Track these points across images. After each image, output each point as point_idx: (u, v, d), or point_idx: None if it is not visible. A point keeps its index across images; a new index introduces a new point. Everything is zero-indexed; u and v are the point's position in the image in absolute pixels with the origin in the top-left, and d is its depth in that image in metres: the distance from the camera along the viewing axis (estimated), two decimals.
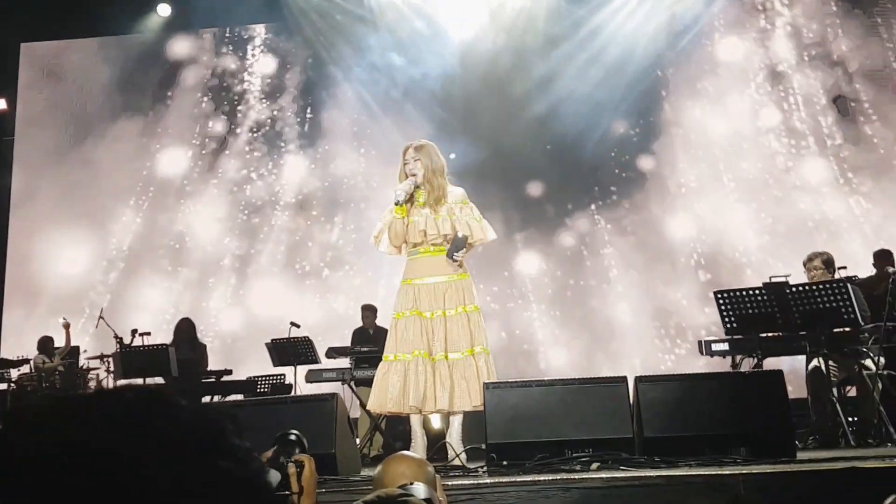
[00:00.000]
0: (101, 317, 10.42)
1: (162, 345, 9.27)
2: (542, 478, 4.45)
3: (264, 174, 12.99)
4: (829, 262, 7.43)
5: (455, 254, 5.89)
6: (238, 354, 11.39)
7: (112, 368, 9.95)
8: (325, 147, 12.90)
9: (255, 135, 13.13)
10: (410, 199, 6.03)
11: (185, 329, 9.96)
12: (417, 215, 5.98)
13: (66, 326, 10.67)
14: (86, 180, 12.97)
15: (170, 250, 12.76)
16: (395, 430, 8.13)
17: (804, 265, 7.55)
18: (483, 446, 5.39)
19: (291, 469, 2.38)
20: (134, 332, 9.98)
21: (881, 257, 8.49)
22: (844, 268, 7.72)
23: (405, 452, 3.51)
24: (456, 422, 5.92)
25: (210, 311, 12.32)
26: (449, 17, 12.59)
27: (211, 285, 12.58)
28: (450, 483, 4.34)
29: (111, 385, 9.89)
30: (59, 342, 10.79)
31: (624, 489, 4.30)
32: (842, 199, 11.52)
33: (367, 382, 8.41)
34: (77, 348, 10.93)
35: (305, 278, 12.45)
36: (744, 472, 4.35)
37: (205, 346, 10.06)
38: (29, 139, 13.35)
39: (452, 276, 5.99)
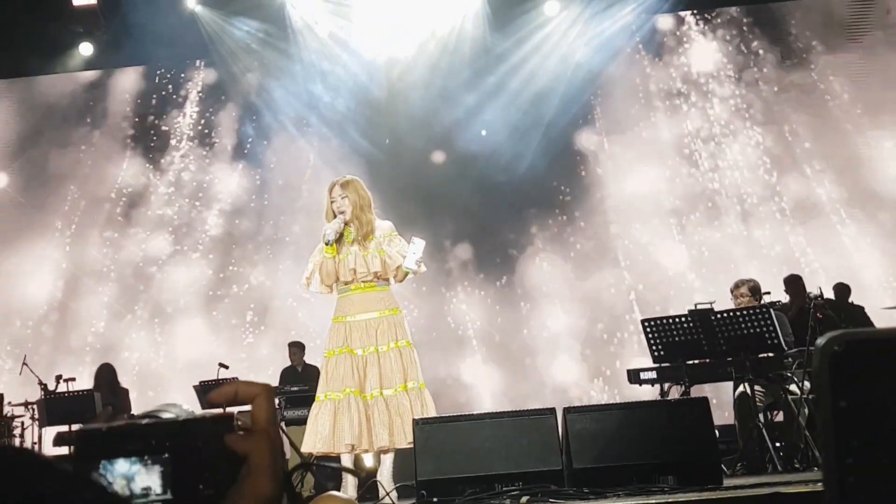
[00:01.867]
0: (24, 363, 10.15)
1: (86, 390, 9.07)
2: None
3: (190, 210, 12.83)
4: (755, 290, 7.58)
5: (415, 262, 5.84)
6: (163, 397, 11.17)
7: (37, 416, 9.69)
8: (256, 179, 12.81)
9: (182, 170, 12.98)
10: (339, 236, 6.00)
11: (105, 374, 9.79)
12: (347, 253, 5.94)
13: None
14: (10, 219, 12.71)
15: (94, 288, 12.50)
16: (326, 470, 8.02)
17: (731, 292, 7.68)
18: (413, 483, 5.34)
19: None
20: (58, 377, 9.75)
21: (792, 283, 8.68)
22: (768, 293, 7.86)
23: (333, 493, 3.45)
24: (388, 460, 5.86)
25: (132, 352, 12.08)
26: (375, 52, 12.64)
27: (133, 325, 12.35)
28: None
29: (36, 433, 9.65)
30: None
31: None
32: (770, 226, 11.78)
33: (298, 422, 8.32)
34: (1, 396, 10.61)
35: (230, 318, 12.29)
36: (670, 500, 4.37)
37: (126, 391, 9.89)
38: None
39: (384, 312, 5.95)
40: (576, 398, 10.74)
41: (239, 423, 0.86)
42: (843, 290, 9.24)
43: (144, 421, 0.88)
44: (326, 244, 5.85)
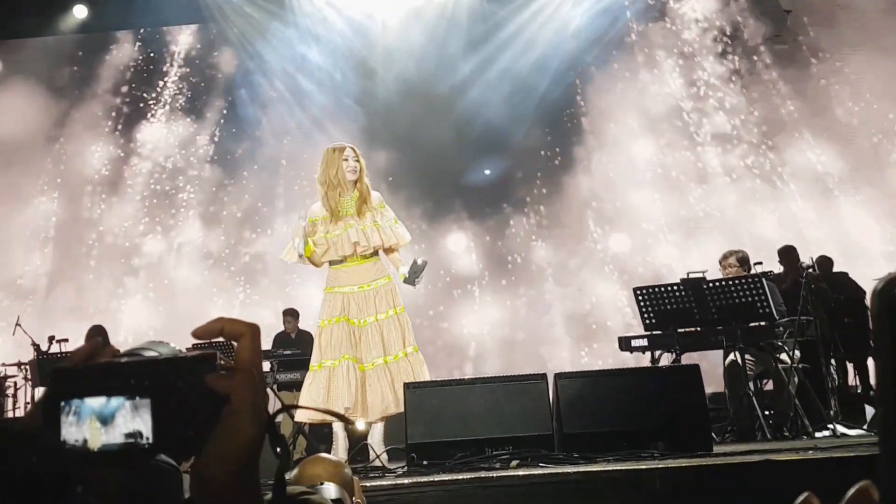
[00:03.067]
0: (17, 324, 10.15)
1: None
2: (460, 477, 4.44)
3: (182, 176, 12.78)
4: (743, 260, 7.57)
5: (416, 279, 5.87)
6: None
7: (30, 376, 9.72)
8: (244, 150, 12.74)
9: (174, 133, 12.92)
10: (336, 202, 5.92)
11: (95, 335, 9.76)
12: (346, 225, 5.87)
13: None
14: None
15: (86, 251, 12.48)
16: (319, 432, 8.07)
17: (720, 263, 7.68)
18: (404, 447, 5.37)
19: None
20: (51, 338, 9.76)
21: (786, 254, 8.68)
22: (760, 263, 7.86)
23: (322, 455, 3.46)
24: (378, 424, 5.88)
25: (124, 314, 12.08)
26: (370, 17, 12.55)
27: (126, 289, 12.34)
28: (368, 484, 4.30)
29: (29, 393, 9.69)
30: None
31: (543, 486, 4.31)
32: (763, 196, 11.77)
33: (289, 386, 8.35)
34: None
35: (224, 279, 12.29)
36: (660, 466, 4.40)
37: (118, 352, 9.85)
38: None
39: (380, 281, 5.94)
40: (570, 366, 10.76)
41: (221, 362, 0.84)
42: (825, 262, 9.24)
43: (124, 359, 0.86)
44: (300, 256, 5.78)
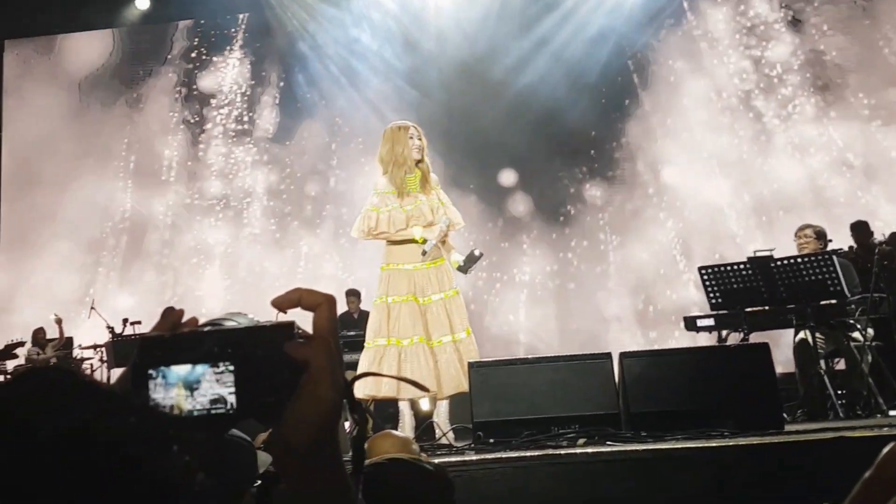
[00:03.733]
0: (92, 307, 10.43)
1: None
2: (528, 454, 4.43)
3: (240, 162, 12.96)
4: (821, 234, 7.42)
5: (470, 268, 5.87)
6: None
7: (105, 358, 9.97)
8: (302, 133, 12.86)
9: (232, 122, 13.11)
10: (404, 180, 5.96)
11: (168, 315, 9.91)
12: (417, 201, 5.90)
13: (59, 322, 10.70)
14: (74, 172, 12.97)
15: (159, 237, 12.74)
16: (384, 412, 8.12)
17: (795, 234, 7.53)
18: (470, 426, 5.38)
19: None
20: (125, 321, 10.00)
21: (857, 229, 8.50)
22: (831, 241, 7.72)
23: (390, 431, 3.49)
24: (443, 403, 5.90)
25: (196, 298, 12.30)
26: (424, 1, 12.57)
27: (197, 272, 12.56)
28: (437, 461, 4.32)
29: (105, 375, 9.94)
30: (52, 334, 10.83)
31: (611, 464, 4.29)
32: (829, 173, 11.52)
33: (351, 366, 8.41)
34: (71, 340, 10.93)
35: (287, 262, 12.44)
36: (731, 444, 4.34)
37: None
38: (16, 133, 13.35)
39: (439, 261, 5.96)
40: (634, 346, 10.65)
41: (299, 331, 0.86)
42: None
43: (207, 328, 0.89)
44: (424, 242, 5.80)
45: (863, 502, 0.52)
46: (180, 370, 0.85)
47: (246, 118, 13.11)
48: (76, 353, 10.77)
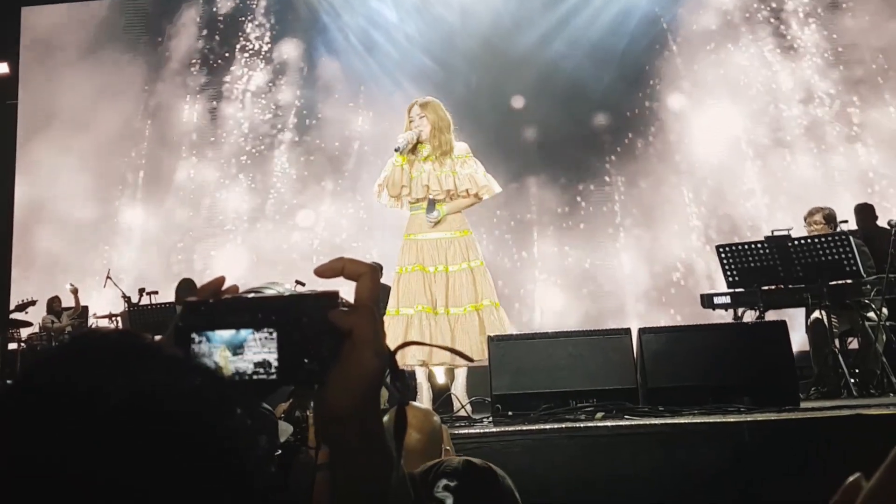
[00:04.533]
0: (108, 276, 10.48)
1: (168, 303, 9.34)
2: (547, 427, 4.50)
3: (263, 132, 12.96)
4: (830, 218, 7.45)
5: (429, 215, 5.95)
6: None
7: (121, 327, 10.04)
8: (322, 107, 12.84)
9: (254, 92, 13.09)
10: (414, 150, 6.05)
11: (185, 289, 10.00)
12: (420, 171, 6.01)
13: (74, 291, 10.76)
14: (88, 142, 13.00)
15: (176, 202, 12.79)
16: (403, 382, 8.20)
17: (805, 220, 7.56)
18: (487, 399, 5.44)
19: (311, 422, 2.34)
20: (141, 290, 10.04)
21: (863, 211, 8.51)
22: (846, 221, 7.74)
23: (411, 403, 3.55)
24: (461, 375, 5.98)
25: (215, 268, 12.34)
26: None
27: (216, 241, 12.61)
28: (456, 432, 4.38)
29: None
30: (67, 303, 10.90)
31: (630, 437, 4.35)
32: (848, 157, 11.48)
33: None
34: (86, 308, 11.00)
35: (303, 236, 12.46)
36: (748, 419, 4.39)
37: None
38: (33, 102, 13.38)
39: (455, 233, 6.02)
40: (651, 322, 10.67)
41: (342, 300, 0.87)
42: None
43: (250, 296, 0.90)
44: (396, 150, 5.92)
45: None
46: (224, 334, 0.87)
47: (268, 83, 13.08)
48: (91, 322, 10.85)
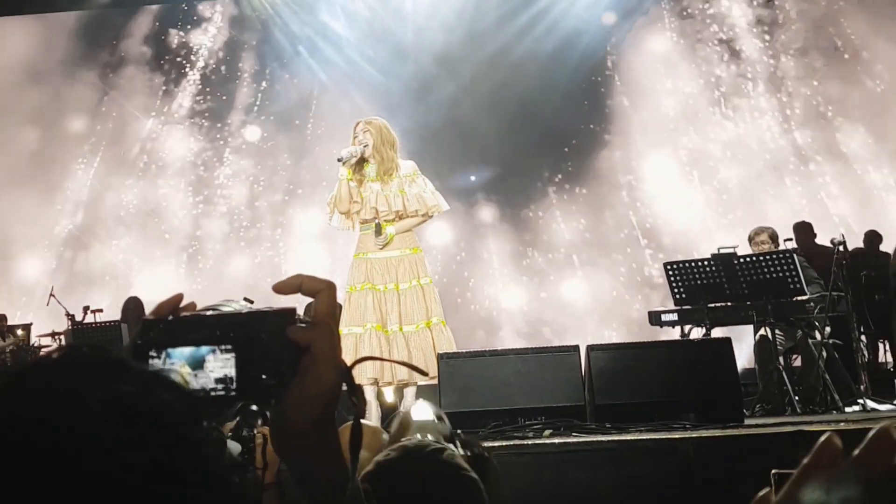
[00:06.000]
0: (52, 294, 10.28)
1: (113, 321, 9.19)
2: (495, 444, 4.50)
3: (214, 151, 12.85)
4: (774, 237, 7.57)
5: (377, 239, 5.96)
6: None
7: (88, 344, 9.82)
8: (275, 122, 12.79)
9: (204, 108, 12.99)
10: (360, 169, 6.05)
11: (132, 308, 9.86)
12: (368, 191, 6.01)
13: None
14: (34, 159, 12.79)
15: (120, 223, 12.62)
16: (346, 402, 8.14)
17: (750, 240, 7.66)
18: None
19: (257, 441, 2.32)
20: (86, 309, 9.87)
21: (802, 230, 8.69)
22: (790, 239, 7.87)
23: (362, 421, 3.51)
24: (409, 394, 5.96)
25: (162, 287, 12.17)
26: None
27: (163, 260, 12.47)
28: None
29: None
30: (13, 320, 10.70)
31: (578, 454, 4.38)
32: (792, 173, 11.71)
33: None
34: (29, 325, 10.77)
35: (257, 253, 12.39)
36: (693, 436, 4.45)
37: None
38: None
39: (405, 251, 6.03)
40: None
41: (300, 316, 0.88)
42: (872, 237, 9.26)
43: (209, 313, 0.90)
44: (339, 161, 5.91)
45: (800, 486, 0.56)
46: (183, 351, 0.87)
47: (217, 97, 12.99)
48: (33, 340, 10.61)
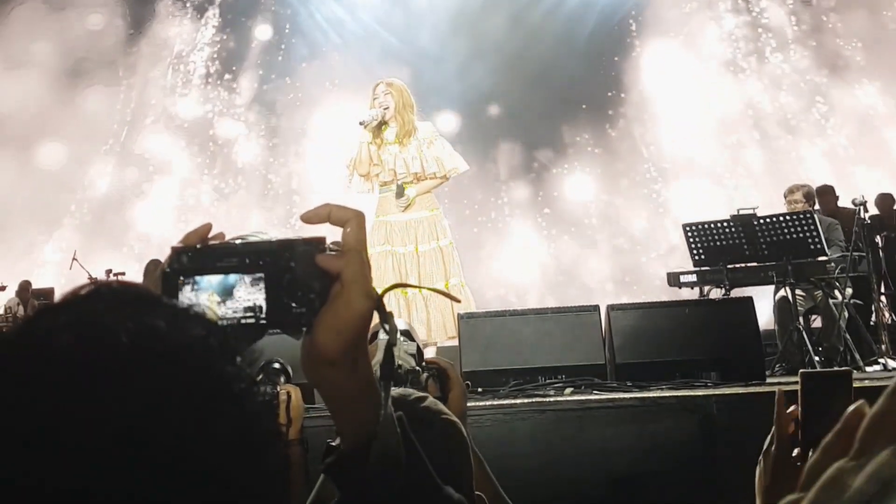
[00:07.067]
0: (74, 258, 10.35)
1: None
2: (518, 401, 4.53)
3: (227, 113, 12.85)
4: (809, 195, 7.53)
5: (398, 200, 5.96)
6: None
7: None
8: (291, 94, 12.76)
9: (217, 77, 12.98)
10: (379, 131, 6.05)
11: (154, 271, 9.85)
12: (387, 154, 6.02)
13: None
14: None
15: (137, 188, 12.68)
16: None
17: (785, 197, 7.62)
18: None
19: (281, 398, 2.34)
20: (108, 272, 9.94)
21: (825, 193, 8.64)
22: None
23: None
24: (430, 353, 5.99)
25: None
26: None
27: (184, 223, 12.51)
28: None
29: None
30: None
31: (598, 410, 4.39)
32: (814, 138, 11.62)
33: None
34: (52, 290, 10.86)
35: (273, 218, 12.42)
36: (716, 393, 4.45)
37: None
38: None
39: (424, 212, 6.04)
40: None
41: (330, 245, 0.88)
42: (885, 199, 9.20)
43: (238, 242, 0.90)
44: (360, 123, 5.92)
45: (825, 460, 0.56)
46: (212, 280, 0.87)
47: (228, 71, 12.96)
48: None
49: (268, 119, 12.76)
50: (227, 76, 12.98)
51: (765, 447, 1.53)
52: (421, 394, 1.83)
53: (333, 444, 0.95)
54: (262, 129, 12.78)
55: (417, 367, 1.98)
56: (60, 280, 11.30)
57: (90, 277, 9.99)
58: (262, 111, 12.79)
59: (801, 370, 1.57)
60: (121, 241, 12.37)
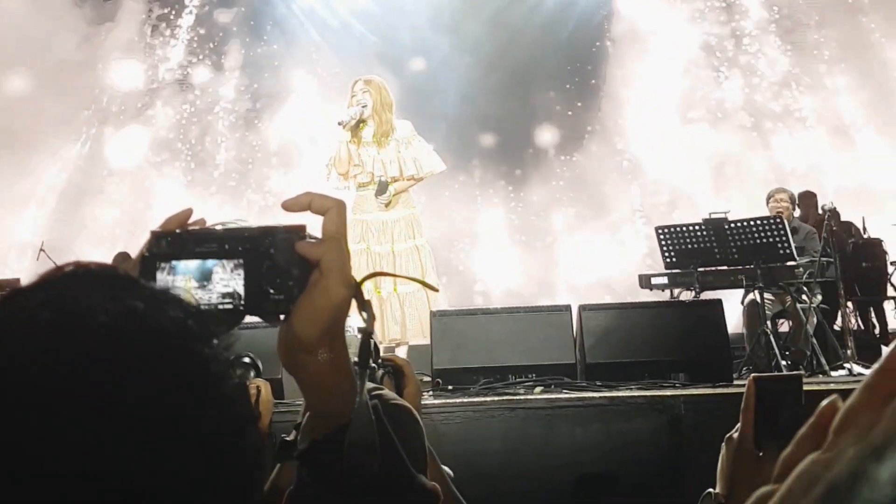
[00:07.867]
0: (41, 249, 10.23)
1: None
2: (487, 399, 4.55)
3: (205, 108, 12.75)
4: (793, 199, 7.65)
5: (380, 197, 5.96)
6: None
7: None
8: (270, 81, 12.69)
9: (197, 61, 12.86)
10: (357, 130, 6.04)
11: (121, 263, 9.78)
12: (365, 155, 6.00)
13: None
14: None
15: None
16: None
17: (768, 198, 7.71)
18: (427, 377, 5.48)
19: (251, 392, 2.36)
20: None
21: (806, 198, 8.73)
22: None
23: None
24: (401, 352, 6.00)
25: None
26: None
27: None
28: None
29: None
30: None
31: (567, 409, 4.43)
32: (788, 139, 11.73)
33: None
34: (18, 281, 10.73)
35: (249, 217, 12.32)
36: (684, 394, 4.50)
37: None
38: None
39: (401, 211, 6.05)
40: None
41: (309, 233, 0.88)
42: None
43: (218, 227, 0.90)
44: (339, 124, 5.90)
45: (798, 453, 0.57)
46: (190, 264, 0.87)
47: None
48: None
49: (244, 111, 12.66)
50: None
51: (729, 433, 1.57)
52: (376, 386, 1.86)
53: (288, 438, 0.96)
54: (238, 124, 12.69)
55: (374, 364, 2.01)
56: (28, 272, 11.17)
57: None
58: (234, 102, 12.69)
59: (752, 374, 1.62)
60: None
